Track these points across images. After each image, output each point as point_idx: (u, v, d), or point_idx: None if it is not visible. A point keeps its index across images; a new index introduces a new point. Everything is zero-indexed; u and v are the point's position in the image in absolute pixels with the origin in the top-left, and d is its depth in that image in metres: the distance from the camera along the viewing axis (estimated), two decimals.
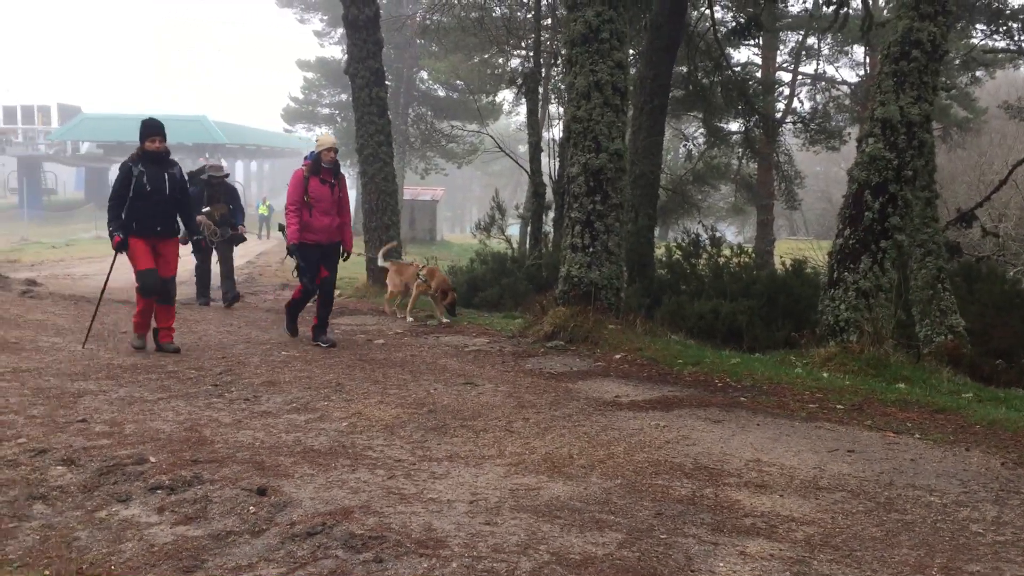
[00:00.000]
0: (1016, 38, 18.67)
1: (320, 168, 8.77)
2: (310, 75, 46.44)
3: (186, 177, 8.86)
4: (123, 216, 7.96)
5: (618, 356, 8.42)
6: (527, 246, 18.60)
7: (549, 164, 18.56)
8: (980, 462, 5.25)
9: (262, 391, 6.53)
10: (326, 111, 47.21)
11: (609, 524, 4.01)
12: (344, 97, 42.77)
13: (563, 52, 11.03)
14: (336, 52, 43.85)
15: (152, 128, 8.14)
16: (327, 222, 8.79)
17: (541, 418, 6.07)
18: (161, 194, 8.03)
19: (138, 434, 5.13)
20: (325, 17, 43.30)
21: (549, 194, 17.10)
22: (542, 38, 19.49)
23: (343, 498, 4.15)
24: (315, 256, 8.78)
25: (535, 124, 17.39)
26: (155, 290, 8.08)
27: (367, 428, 5.60)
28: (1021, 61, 20.51)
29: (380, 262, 11.71)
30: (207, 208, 11.96)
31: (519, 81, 17.79)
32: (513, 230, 22.38)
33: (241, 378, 6.96)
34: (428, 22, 22.72)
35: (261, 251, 30.58)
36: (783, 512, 4.28)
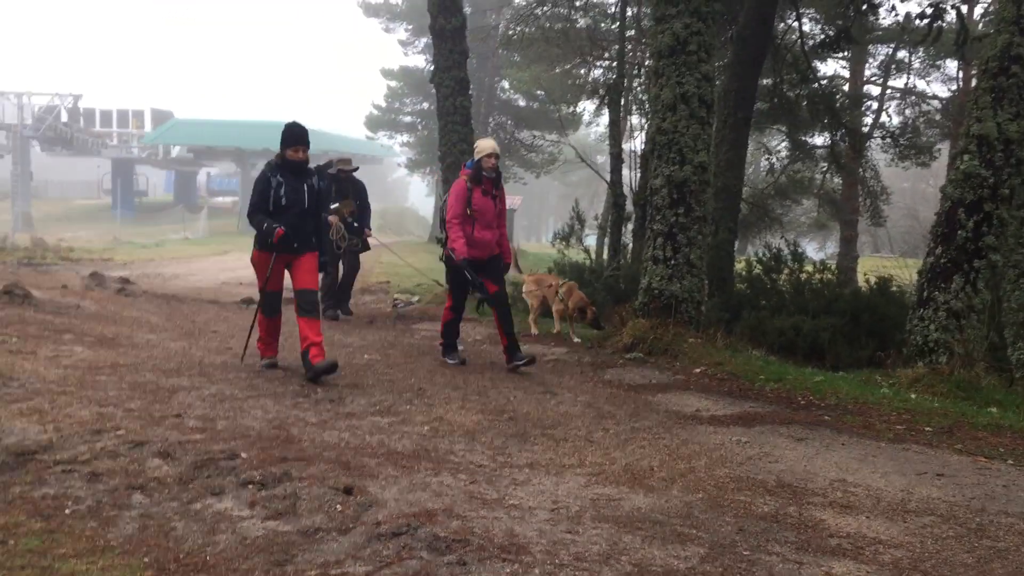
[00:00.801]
0: None
1: (481, 178, 8.12)
2: (393, 83, 47.15)
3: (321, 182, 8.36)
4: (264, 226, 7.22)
5: (698, 370, 8.36)
6: (605, 257, 18.57)
7: (629, 175, 18.51)
8: None
9: (346, 393, 6.67)
10: (408, 119, 47.86)
11: (691, 538, 3.99)
12: (426, 106, 43.34)
13: (649, 63, 11.00)
14: (420, 61, 44.54)
15: (296, 136, 7.43)
16: (488, 236, 8.17)
17: (621, 429, 6.07)
18: (299, 206, 7.28)
19: (229, 430, 5.29)
20: (410, 27, 43.94)
21: (628, 205, 17.05)
22: (626, 49, 19.46)
23: (426, 500, 4.22)
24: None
25: (616, 135, 17.37)
26: (277, 311, 7.57)
27: (448, 433, 5.68)
28: None
29: (515, 272, 10.29)
30: (335, 204, 10.68)
31: (601, 92, 17.80)
32: (590, 240, 22.37)
33: (326, 380, 7.11)
34: (512, 32, 22.87)
35: None
36: (870, 534, 4.20)
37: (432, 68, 15.55)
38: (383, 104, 48.21)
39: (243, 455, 4.72)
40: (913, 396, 7.47)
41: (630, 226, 16.91)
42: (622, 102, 22.22)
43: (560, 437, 5.74)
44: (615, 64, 19.57)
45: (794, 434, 6.14)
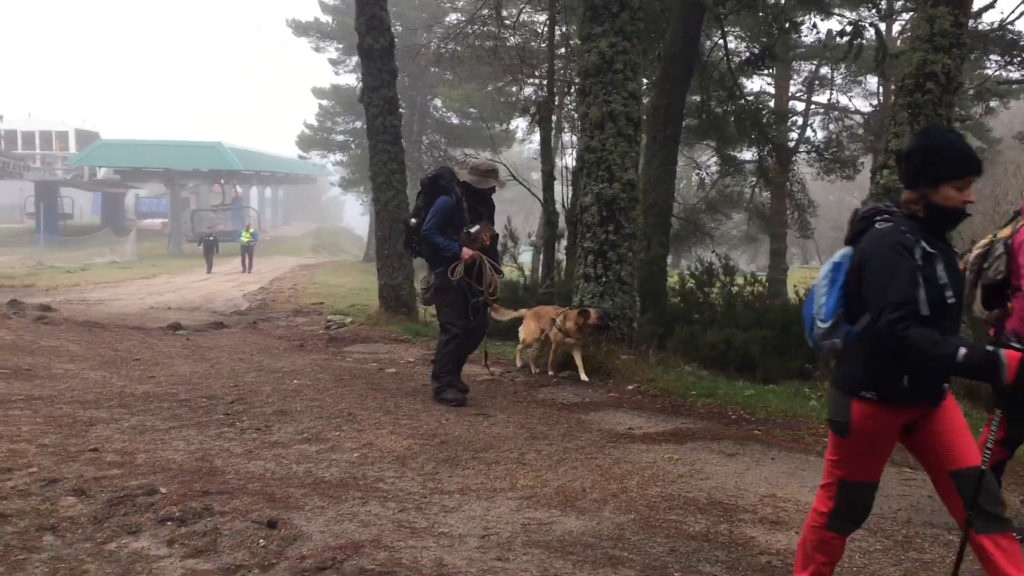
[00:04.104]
0: None
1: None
2: (325, 102, 46.76)
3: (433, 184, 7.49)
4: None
5: (631, 387, 8.37)
6: (539, 274, 18.58)
7: (562, 192, 18.58)
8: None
9: (273, 420, 6.51)
10: (341, 138, 47.49)
11: (622, 561, 3.96)
12: (359, 124, 43.02)
13: (577, 82, 11.05)
14: (351, 80, 44.19)
15: None
16: None
17: (554, 450, 6.03)
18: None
19: (149, 464, 5.11)
20: (340, 46, 43.65)
21: (561, 222, 17.11)
22: (556, 67, 19.57)
23: (354, 531, 4.12)
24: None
25: (548, 152, 17.42)
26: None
27: (378, 459, 5.57)
28: None
29: (513, 313, 9.56)
30: (476, 228, 7.53)
31: (532, 110, 17.83)
32: (525, 258, 22.38)
33: (253, 407, 6.94)
34: (443, 51, 22.88)
35: (274, 277, 30.68)
36: None
37: (361, 87, 15.43)
38: (315, 123, 47.78)
39: (162, 490, 4.56)
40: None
41: (563, 243, 16.96)
42: (553, 120, 22.36)
43: (492, 460, 5.68)
44: (546, 82, 19.68)
45: (725, 450, 6.17)
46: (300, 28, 44.10)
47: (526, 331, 9.38)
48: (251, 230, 35.94)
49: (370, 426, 6.49)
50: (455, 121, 44.14)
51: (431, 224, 7.38)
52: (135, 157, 51.26)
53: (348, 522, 4.26)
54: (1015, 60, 18.62)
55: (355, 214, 76.43)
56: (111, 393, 7.23)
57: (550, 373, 9.07)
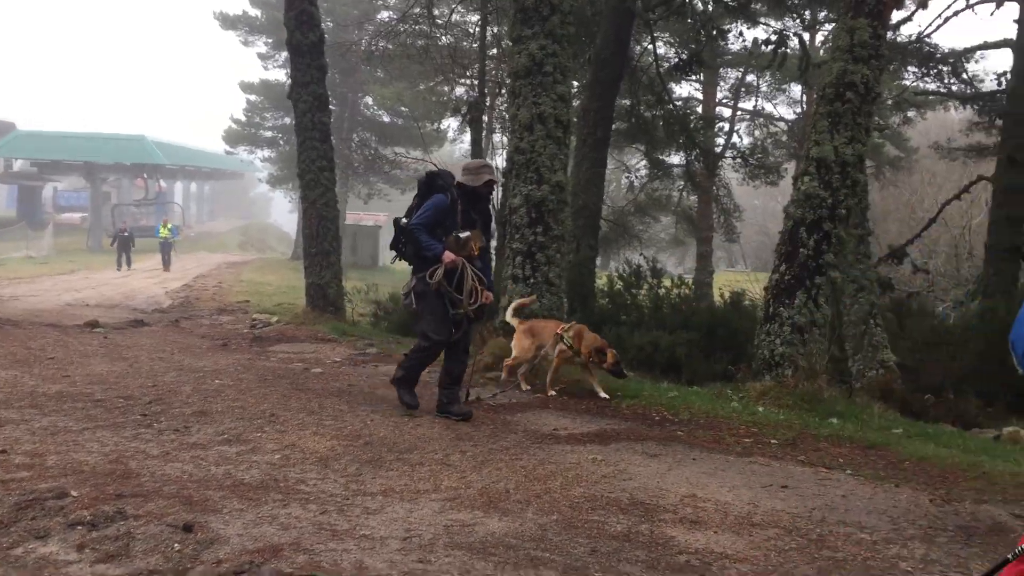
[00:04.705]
0: (945, 81, 19.35)
1: None
2: (253, 97, 46.00)
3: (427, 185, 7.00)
4: None
5: (557, 388, 8.41)
6: None
7: (495, 194, 18.60)
8: (909, 499, 5.33)
9: (193, 421, 6.37)
10: (269, 134, 46.75)
11: (544, 562, 3.97)
12: (288, 120, 42.35)
13: (507, 83, 11.07)
14: (281, 75, 43.56)
15: None
16: None
17: (479, 451, 6.02)
18: None
19: (60, 466, 4.95)
20: (270, 40, 42.96)
21: (493, 224, 17.13)
22: (487, 68, 19.61)
23: (273, 535, 4.05)
24: None
25: (479, 153, 17.45)
26: None
27: (301, 461, 5.49)
28: (950, 103, 21.17)
29: (508, 317, 8.82)
30: (465, 233, 6.90)
31: (463, 110, 17.83)
32: None
33: (171, 408, 6.78)
34: (373, 49, 22.70)
35: (199, 273, 30.05)
36: (717, 549, 4.28)
37: (290, 83, 15.21)
38: (243, 118, 46.95)
39: (73, 493, 4.42)
40: (761, 409, 7.74)
41: (494, 244, 16.99)
42: (485, 120, 22.37)
43: (416, 461, 5.64)
44: (477, 82, 19.70)
45: (648, 451, 6.24)
46: (228, 21, 43.29)
47: (518, 348, 8.47)
48: (169, 226, 34.95)
49: (293, 427, 6.40)
50: (386, 119, 43.85)
51: (420, 219, 6.78)
52: (54, 149, 49.69)
53: (267, 525, 4.19)
54: (932, 72, 19.27)
55: (284, 211, 75.40)
56: (22, 393, 6.99)
57: (551, 393, 8.23)
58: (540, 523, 4.54)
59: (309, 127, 14.63)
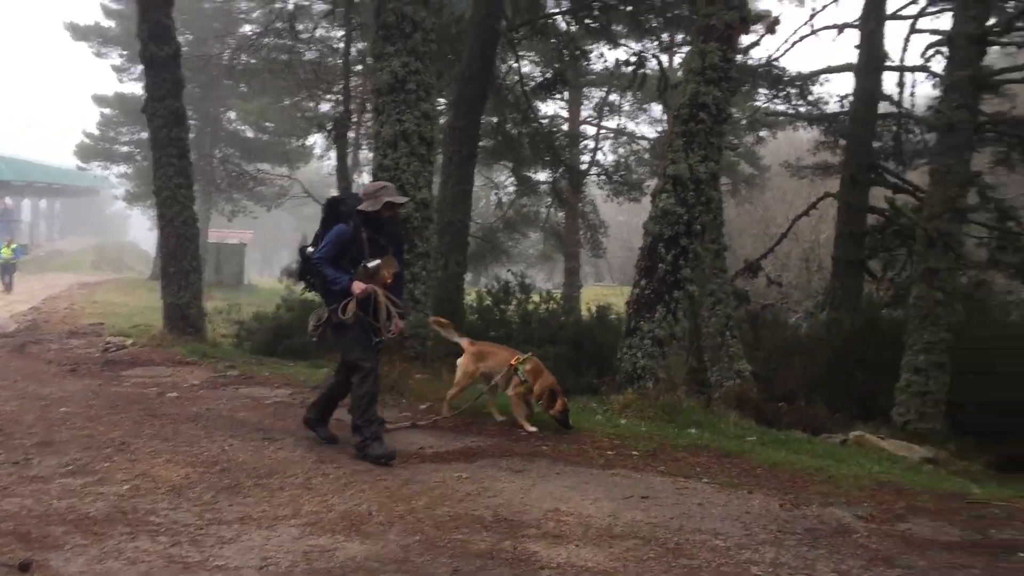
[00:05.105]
0: (793, 102, 20.36)
1: None
2: (107, 111, 43.99)
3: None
4: None
5: (424, 406, 8.36)
6: None
7: None
8: (761, 504, 5.55)
9: (34, 453, 6.01)
10: (125, 149, 44.77)
11: None
12: (144, 135, 40.77)
13: (371, 100, 10.99)
14: (137, 88, 41.78)
15: None
16: None
17: (342, 473, 5.91)
18: None
19: None
20: (124, 52, 41.19)
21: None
22: (352, 84, 19.44)
23: (119, 570, 3.87)
24: None
25: (344, 170, 17.26)
26: None
27: (152, 490, 5.26)
28: (799, 123, 22.28)
29: (455, 337, 8.16)
30: (374, 263, 6.52)
31: (329, 126, 17.60)
32: None
33: (12, 439, 6.38)
34: (235, 62, 22.15)
35: (48, 295, 28.47)
36: (578, 562, 4.34)
37: (146, 97, 14.63)
38: (96, 132, 44.84)
39: None
40: (623, 421, 7.90)
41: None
42: (352, 137, 22.17)
43: (276, 486, 5.49)
44: (342, 99, 19.50)
45: (513, 467, 6.27)
46: (79, 32, 41.31)
47: (461, 371, 7.84)
48: (12, 245, 32.69)
49: (145, 455, 6.12)
50: (250, 135, 42.71)
51: (322, 252, 6.45)
52: None
53: (113, 560, 3.99)
54: (781, 94, 20.22)
55: (143, 229, 72.41)
56: None
57: (532, 429, 7.50)
58: (403, 544, 4.49)
59: (165, 142, 14.09)
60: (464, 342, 8.02)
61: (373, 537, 4.59)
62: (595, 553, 4.49)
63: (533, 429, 7.48)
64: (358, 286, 6.38)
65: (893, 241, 18.09)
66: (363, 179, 21.42)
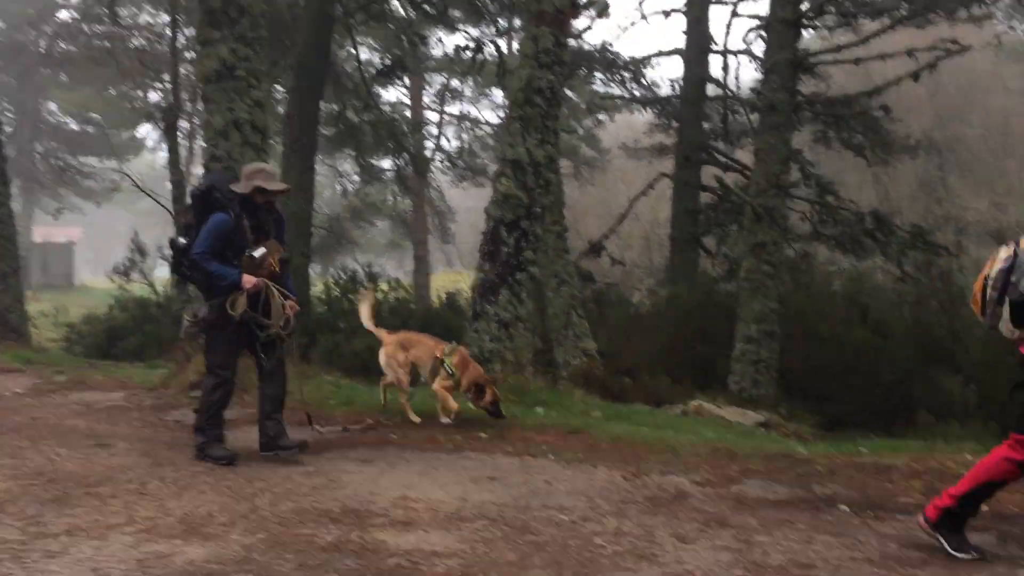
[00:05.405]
0: (628, 86, 20.98)
1: None
2: None
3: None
4: None
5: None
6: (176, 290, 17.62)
7: None
8: (605, 477, 5.72)
9: None
10: None
11: None
12: None
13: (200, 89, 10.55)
14: None
15: None
16: None
17: (180, 475, 5.69)
18: None
19: None
20: None
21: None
22: (183, 72, 18.65)
23: None
24: None
25: (176, 162, 16.56)
26: None
27: None
28: (634, 107, 22.97)
29: (368, 325, 7.85)
30: (261, 251, 6.10)
31: (158, 117, 16.84)
32: (163, 272, 21.17)
33: None
34: (53, 50, 20.84)
35: None
36: (427, 547, 4.35)
37: None
38: None
39: None
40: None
41: None
42: (187, 127, 21.32)
43: (108, 494, 5.23)
44: (172, 87, 18.69)
45: (361, 457, 6.21)
46: None
47: (393, 364, 7.53)
48: None
49: None
50: (75, 127, 40.37)
51: (202, 247, 5.94)
52: None
53: None
54: (616, 78, 20.80)
55: None
56: None
57: (446, 420, 7.36)
58: (245, 544, 4.37)
59: None
60: (382, 333, 7.73)
61: (214, 539, 4.45)
62: (443, 537, 4.51)
63: (448, 421, 7.29)
64: (248, 280, 5.97)
65: (725, 218, 18.98)
66: (199, 171, 20.61)
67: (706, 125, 19.89)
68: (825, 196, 16.94)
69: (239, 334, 6.10)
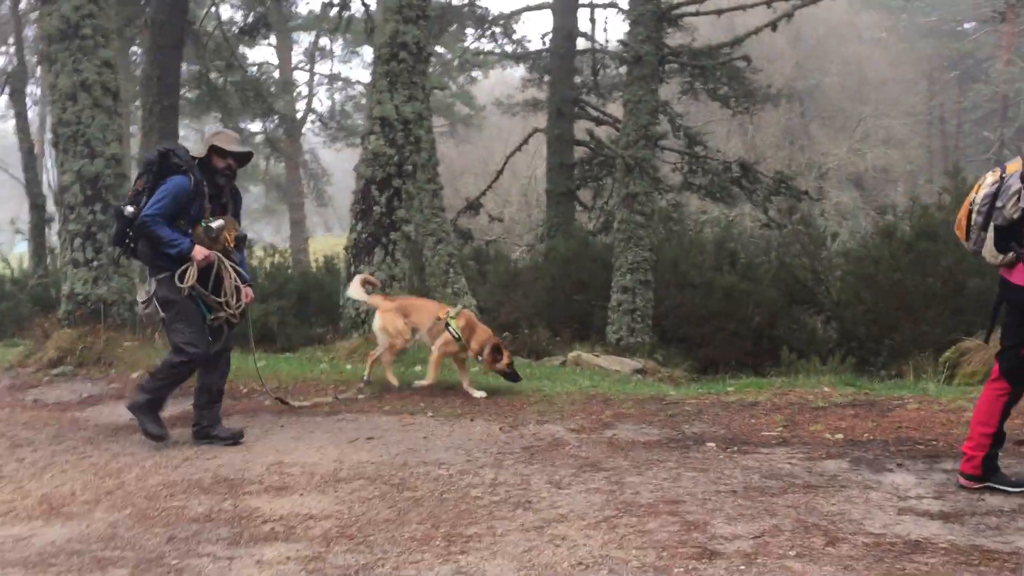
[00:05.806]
0: (499, 42, 20.94)
1: None
2: None
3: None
4: None
5: (135, 375, 7.85)
6: (33, 265, 16.72)
7: (51, 172, 16.83)
8: (482, 430, 5.76)
9: None
10: None
11: (113, 561, 3.71)
12: None
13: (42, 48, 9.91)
14: None
15: None
16: None
17: (39, 456, 5.45)
18: None
19: None
20: None
21: (51, 205, 15.53)
22: (27, 34, 17.53)
23: None
24: None
25: (25, 128, 15.63)
26: None
27: None
28: (507, 62, 22.92)
29: (358, 295, 7.29)
30: (217, 222, 5.63)
31: (3, 81, 15.82)
32: (21, 248, 20.08)
33: None
34: None
35: None
36: (302, 511, 4.29)
37: None
38: None
39: None
40: (349, 367, 7.88)
41: (55, 227, 15.43)
42: (38, 92, 20.15)
43: None
44: (15, 50, 17.55)
45: (235, 425, 6.06)
46: None
47: (391, 330, 6.93)
48: None
49: None
50: None
51: (156, 207, 5.41)
52: None
53: None
54: (487, 33, 20.68)
55: None
56: None
57: (423, 383, 6.97)
58: (110, 521, 4.23)
59: None
60: (379, 299, 7.20)
61: (77, 517, 4.28)
62: (319, 500, 4.45)
63: (481, 394, 6.77)
64: (200, 251, 5.49)
65: (599, 171, 19.23)
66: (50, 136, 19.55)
67: (577, 79, 20.02)
68: (694, 147, 17.36)
69: (200, 311, 5.62)
